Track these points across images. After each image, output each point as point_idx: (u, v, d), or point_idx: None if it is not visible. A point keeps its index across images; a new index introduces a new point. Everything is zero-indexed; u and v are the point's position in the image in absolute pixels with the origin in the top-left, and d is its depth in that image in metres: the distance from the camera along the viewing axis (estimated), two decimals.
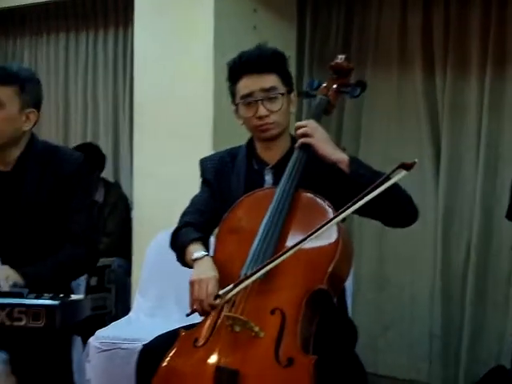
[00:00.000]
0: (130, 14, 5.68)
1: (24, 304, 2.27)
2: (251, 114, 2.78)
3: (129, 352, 3.71)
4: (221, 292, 2.51)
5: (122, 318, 4.22)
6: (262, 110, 2.76)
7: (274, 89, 2.76)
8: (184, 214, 2.93)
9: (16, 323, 2.27)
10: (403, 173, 2.43)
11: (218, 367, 2.42)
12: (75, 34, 6.18)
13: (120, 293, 5.10)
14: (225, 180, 2.90)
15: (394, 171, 2.46)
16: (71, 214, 2.90)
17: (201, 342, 2.52)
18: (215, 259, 2.66)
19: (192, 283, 2.55)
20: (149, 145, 4.61)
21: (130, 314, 4.24)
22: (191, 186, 3.11)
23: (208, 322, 2.56)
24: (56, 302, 2.29)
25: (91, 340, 3.80)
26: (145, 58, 4.65)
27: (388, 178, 2.46)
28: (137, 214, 4.74)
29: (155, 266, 4.15)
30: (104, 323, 4.47)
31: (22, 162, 2.91)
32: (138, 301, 4.23)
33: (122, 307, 4.98)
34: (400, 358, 4.53)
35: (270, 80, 2.77)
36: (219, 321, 2.52)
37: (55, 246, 2.89)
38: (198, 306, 2.53)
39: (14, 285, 2.51)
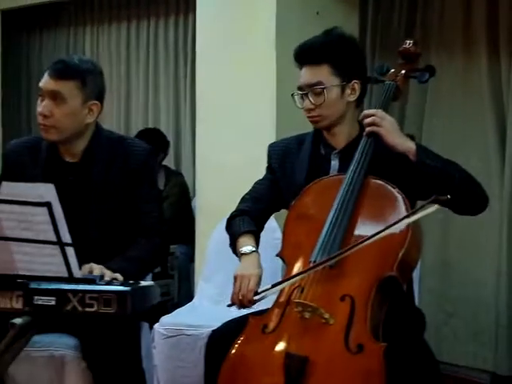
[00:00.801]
0: (190, 1, 5.72)
1: (95, 290, 2.27)
2: (301, 105, 2.80)
3: (193, 338, 3.73)
4: (260, 289, 2.61)
5: (186, 305, 4.24)
6: (307, 104, 2.77)
7: (319, 83, 2.74)
8: (242, 200, 2.99)
9: (88, 309, 2.27)
10: (435, 207, 2.41)
11: (287, 354, 2.42)
12: (136, 23, 6.22)
13: (182, 279, 5.13)
14: (289, 165, 2.91)
15: (427, 203, 2.43)
16: (141, 206, 2.92)
17: (270, 328, 2.53)
18: (284, 245, 2.68)
19: (235, 277, 2.66)
20: (211, 132, 4.61)
21: (194, 300, 4.26)
22: (253, 173, 3.12)
23: (277, 309, 2.56)
24: (127, 288, 2.28)
25: (156, 326, 3.82)
26: (206, 46, 4.64)
27: (421, 208, 2.45)
28: (199, 202, 4.75)
29: (219, 252, 4.15)
30: (167, 310, 4.50)
31: (88, 153, 2.93)
32: (201, 287, 4.25)
33: (184, 294, 5.01)
34: (464, 346, 4.48)
35: (319, 73, 2.75)
36: (288, 307, 2.53)
37: (125, 237, 2.92)
38: (237, 299, 2.64)
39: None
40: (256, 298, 2.62)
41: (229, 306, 2.69)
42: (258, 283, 2.65)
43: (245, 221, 2.86)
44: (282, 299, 2.57)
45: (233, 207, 3.03)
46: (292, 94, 2.83)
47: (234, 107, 4.47)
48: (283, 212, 2.98)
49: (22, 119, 7.27)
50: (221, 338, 2.65)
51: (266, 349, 2.49)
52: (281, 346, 2.46)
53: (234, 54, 4.48)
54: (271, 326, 2.53)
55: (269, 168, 3.00)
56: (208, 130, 4.64)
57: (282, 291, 2.60)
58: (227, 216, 2.99)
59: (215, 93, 4.57)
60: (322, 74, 2.75)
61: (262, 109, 4.33)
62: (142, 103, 6.20)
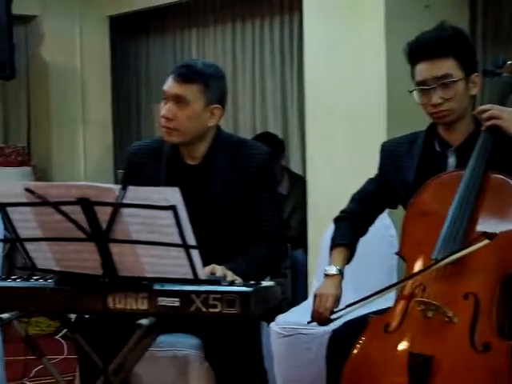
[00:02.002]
0: (295, 0, 5.73)
1: (218, 291, 2.29)
2: (425, 101, 2.74)
3: (309, 337, 3.72)
4: (336, 309, 2.76)
5: (302, 304, 4.24)
6: (435, 98, 2.70)
7: (448, 76, 2.69)
8: (351, 200, 3.04)
9: (211, 310, 2.29)
10: (485, 241, 2.38)
11: (411, 353, 2.40)
12: (241, 23, 6.25)
13: (296, 278, 5.14)
14: (400, 163, 2.89)
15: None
16: (260, 210, 2.94)
17: (392, 327, 2.51)
18: (404, 243, 2.67)
19: (315, 295, 2.82)
20: (321, 130, 4.61)
21: (309, 299, 4.25)
22: (365, 171, 3.11)
23: (399, 307, 2.54)
24: (250, 289, 2.29)
25: (272, 325, 3.83)
26: (315, 43, 4.64)
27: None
28: (311, 201, 4.75)
29: None
30: (281, 309, 4.50)
31: (209, 155, 2.96)
32: (315, 286, 4.24)
33: (298, 292, 5.02)
34: None
35: (445, 66, 2.70)
36: (410, 306, 2.50)
37: (243, 240, 2.94)
38: (316, 317, 2.79)
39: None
40: (332, 317, 2.75)
41: (308, 322, 2.85)
42: (336, 303, 2.78)
43: (345, 229, 2.92)
44: (403, 298, 2.55)
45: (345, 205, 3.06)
46: (410, 91, 2.79)
47: (344, 106, 4.46)
48: (398, 209, 2.97)
49: (132, 122, 7.42)
50: (342, 338, 2.65)
51: (388, 348, 2.47)
52: (404, 346, 2.45)
53: (342, 52, 4.47)
54: (393, 324, 2.51)
55: (380, 168, 2.99)
56: (318, 130, 4.63)
57: (403, 289, 2.58)
58: None
59: (324, 90, 4.57)
60: (449, 66, 2.70)
61: (372, 107, 4.30)
62: (248, 104, 6.24)
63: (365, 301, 2.62)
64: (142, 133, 7.29)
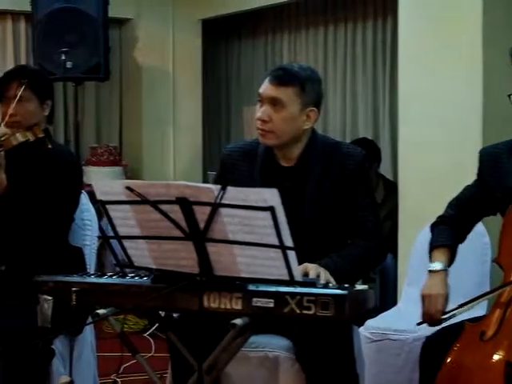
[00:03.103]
0: (388, 4, 5.69)
1: (313, 293, 2.29)
2: None
3: (398, 343, 3.69)
4: (447, 310, 2.68)
5: (391, 309, 4.21)
6: None
7: None
8: (449, 206, 2.99)
9: (305, 312, 2.29)
10: None
11: (508, 362, 2.36)
12: (334, 27, 6.23)
13: (385, 283, 5.10)
14: (500, 169, 2.84)
15: None
16: (356, 212, 2.93)
17: (488, 335, 2.47)
18: (502, 251, 2.62)
19: (423, 297, 2.76)
20: (414, 136, 4.55)
21: (399, 304, 4.22)
22: (459, 176, 3.08)
23: (496, 315, 2.50)
24: (345, 292, 2.29)
25: (361, 330, 3.81)
26: (409, 48, 4.59)
27: None
28: (402, 205, 4.71)
29: (423, 256, 4.09)
30: (368, 313, 4.47)
31: (304, 157, 2.97)
32: (406, 291, 4.20)
33: (387, 298, 4.98)
34: None
35: None
36: (508, 314, 2.46)
37: (337, 241, 2.94)
38: (427, 319, 2.73)
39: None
40: (444, 317, 2.68)
41: (418, 324, 2.80)
42: (445, 303, 2.71)
43: (444, 232, 2.87)
44: (500, 305, 2.51)
45: (437, 211, 3.01)
46: (510, 95, 2.75)
47: (439, 109, 4.40)
48: (492, 217, 2.92)
49: (221, 125, 7.48)
50: (436, 345, 2.63)
51: (484, 357, 2.44)
52: (500, 354, 2.41)
53: (438, 56, 4.40)
54: (489, 332, 2.48)
55: (479, 174, 2.94)
56: (411, 133, 4.58)
57: (500, 297, 2.54)
58: (431, 220, 2.97)
59: (419, 95, 4.52)
60: None
61: (467, 114, 4.23)
62: (339, 108, 6.22)
63: (476, 301, 2.57)
64: (232, 135, 7.33)
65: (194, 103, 6.99)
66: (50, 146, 3.34)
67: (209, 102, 7.33)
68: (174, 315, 2.75)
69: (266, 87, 2.93)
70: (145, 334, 5.21)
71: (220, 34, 7.35)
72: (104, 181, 2.88)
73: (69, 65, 5.74)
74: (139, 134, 6.95)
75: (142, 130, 6.92)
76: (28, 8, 6.13)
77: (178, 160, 6.96)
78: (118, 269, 2.61)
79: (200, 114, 7.05)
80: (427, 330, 2.86)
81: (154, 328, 5.23)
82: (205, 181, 6.43)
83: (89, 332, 3.47)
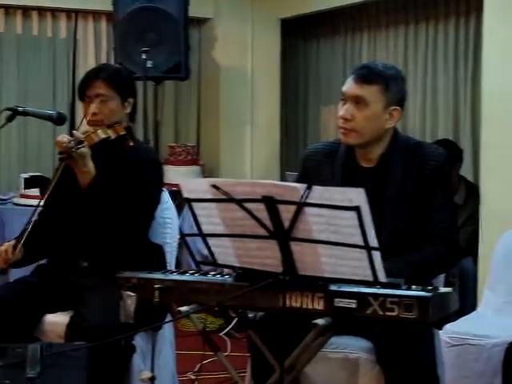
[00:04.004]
0: (471, 2, 5.60)
1: (396, 295, 2.27)
2: None
3: (478, 348, 3.62)
4: None
5: (471, 314, 4.14)
6: None
7: None
8: None
9: (388, 313, 2.27)
10: None
11: None
12: (414, 26, 6.16)
13: (464, 287, 5.02)
14: None
15: None
16: (432, 211, 2.89)
17: None
18: None
19: None
20: (498, 137, 4.48)
21: (478, 309, 4.15)
22: None
23: None
24: (428, 294, 2.26)
25: (441, 334, 3.76)
26: (495, 47, 4.53)
27: None
28: (484, 209, 4.63)
29: (505, 260, 4.03)
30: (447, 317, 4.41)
31: (385, 158, 2.95)
32: (486, 296, 4.13)
33: (466, 302, 4.90)
34: None
35: None
36: None
37: (416, 242, 2.90)
38: None
39: None
40: None
41: None
42: None
43: None
44: None
45: None
46: None
47: None
48: None
49: (299, 124, 7.47)
50: None
51: None
52: None
53: None
54: None
55: None
56: (494, 137, 4.51)
57: None
58: None
59: (503, 97, 4.44)
60: None
61: None
62: (419, 108, 6.15)
63: None
64: (309, 135, 7.32)
65: (271, 103, 7.00)
66: (131, 144, 3.37)
67: (286, 101, 7.34)
68: (250, 315, 2.75)
69: (349, 85, 2.92)
70: (221, 334, 5.22)
71: (299, 34, 7.35)
72: (190, 179, 2.89)
73: (149, 64, 5.80)
74: (217, 134, 6.98)
75: (220, 129, 6.95)
76: (109, 7, 6.22)
77: (255, 160, 6.98)
78: (193, 266, 2.63)
79: (278, 113, 7.06)
80: (508, 336, 2.80)
81: (229, 327, 5.25)
82: (282, 181, 6.42)
83: (168, 329, 3.50)
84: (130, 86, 3.52)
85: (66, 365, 2.48)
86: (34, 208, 3.27)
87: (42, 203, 3.26)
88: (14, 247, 3.25)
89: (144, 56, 5.74)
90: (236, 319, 4.95)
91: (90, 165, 3.21)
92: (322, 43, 7.16)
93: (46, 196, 3.23)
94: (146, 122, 5.94)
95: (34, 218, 3.28)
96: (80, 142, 3.15)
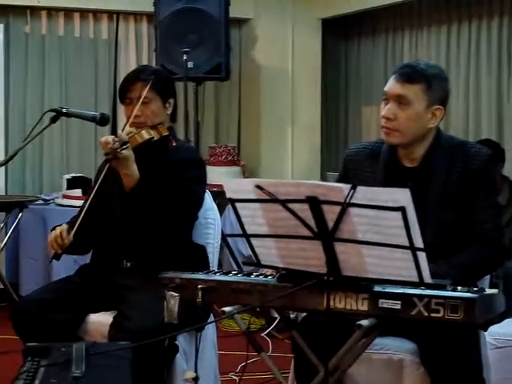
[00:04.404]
0: None
1: (441, 296, 2.25)
2: None
3: None
4: None
5: None
6: None
7: None
8: None
9: (433, 315, 2.25)
10: None
11: None
12: (457, 25, 6.13)
13: (509, 289, 4.96)
14: None
15: None
16: (477, 212, 2.86)
17: None
18: None
19: None
20: None
21: None
22: None
23: None
24: (475, 296, 2.24)
25: (485, 335, 3.72)
26: None
27: None
28: None
29: None
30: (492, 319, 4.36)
31: (428, 158, 2.92)
32: None
33: (511, 303, 4.84)
34: None
35: None
36: None
37: (459, 243, 2.87)
38: None
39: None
40: None
41: None
42: None
43: None
44: None
45: None
46: None
47: None
48: None
49: (340, 124, 7.45)
50: None
51: None
52: None
53: None
54: None
55: None
56: None
57: None
58: None
59: None
60: None
61: None
62: (461, 107, 6.10)
63: None
64: (350, 135, 7.30)
65: (312, 103, 6.99)
66: (174, 144, 3.38)
67: (327, 101, 7.32)
68: (292, 315, 2.74)
69: (391, 85, 2.90)
70: (262, 334, 5.22)
71: (340, 33, 7.33)
72: (232, 179, 2.89)
73: (190, 65, 5.82)
74: (258, 134, 6.99)
75: (261, 129, 6.96)
76: (150, 9, 6.25)
77: (296, 160, 6.97)
78: (234, 266, 2.63)
79: (319, 113, 7.05)
80: None
81: (271, 328, 5.24)
82: (323, 181, 6.40)
83: (211, 329, 3.51)
84: (170, 87, 3.53)
85: (109, 364, 2.48)
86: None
87: (88, 201, 3.27)
88: (68, 232, 3.25)
89: (185, 57, 5.75)
90: (278, 319, 5.03)
91: (134, 168, 3.22)
92: (363, 43, 7.14)
93: (91, 197, 3.24)
94: (186, 123, 5.95)
95: (87, 205, 3.27)
96: (124, 143, 3.16)
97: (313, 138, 7.04)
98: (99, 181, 3.24)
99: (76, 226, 3.22)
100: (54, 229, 3.30)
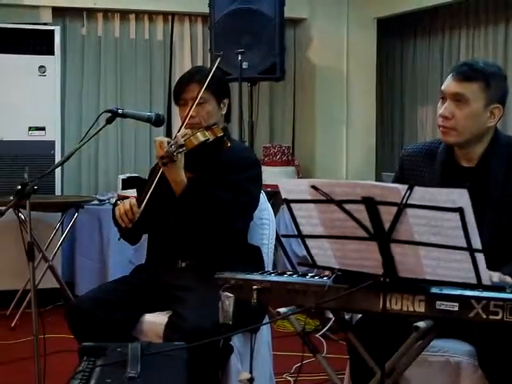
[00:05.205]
0: None
1: (501, 298, 2.21)
2: None
3: None
4: None
5: None
6: None
7: None
8: None
9: (492, 317, 2.22)
10: None
11: None
12: None
13: None
14: None
15: None
16: None
17: None
18: None
19: None
20: None
21: None
22: None
23: None
24: None
25: None
26: None
27: None
28: None
29: None
30: None
31: (486, 157, 2.88)
32: None
33: None
34: None
35: None
36: None
37: None
38: None
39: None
40: None
41: None
42: None
43: None
44: None
45: None
46: None
47: None
48: None
49: (395, 124, 7.40)
50: None
51: None
52: None
53: None
54: None
55: None
56: None
57: None
58: None
59: None
60: None
61: None
62: None
63: None
64: (405, 135, 7.25)
65: (367, 103, 6.95)
66: (229, 145, 3.38)
67: (383, 101, 7.27)
68: (346, 316, 2.72)
69: (449, 83, 2.86)
70: (317, 335, 5.19)
71: (395, 33, 7.28)
72: (287, 179, 2.88)
73: (245, 65, 5.82)
74: (312, 134, 6.97)
75: (315, 129, 6.94)
76: (205, 10, 6.27)
77: (350, 160, 6.94)
78: (289, 267, 2.61)
79: (374, 113, 7.01)
80: None
81: (325, 329, 5.21)
82: (378, 181, 6.35)
83: (266, 330, 3.50)
84: (225, 87, 3.53)
85: (165, 365, 2.48)
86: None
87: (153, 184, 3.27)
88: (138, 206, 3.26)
89: (239, 57, 5.76)
90: (332, 320, 5.00)
91: (182, 174, 3.23)
92: (418, 42, 7.08)
93: (146, 200, 3.25)
94: (241, 123, 5.96)
95: (151, 188, 3.28)
96: (180, 146, 3.16)
97: (368, 138, 7.00)
98: (153, 184, 3.25)
99: (145, 202, 3.24)
100: (115, 205, 3.34)
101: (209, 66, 6.13)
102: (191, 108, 3.32)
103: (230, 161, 3.35)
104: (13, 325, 5.46)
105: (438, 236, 2.17)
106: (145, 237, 3.56)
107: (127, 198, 3.37)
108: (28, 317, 3.32)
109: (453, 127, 2.84)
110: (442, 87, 2.88)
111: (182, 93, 3.43)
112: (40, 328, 3.09)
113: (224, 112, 3.49)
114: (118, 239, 3.45)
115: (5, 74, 5.97)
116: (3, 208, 3.06)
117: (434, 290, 2.29)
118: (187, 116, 3.34)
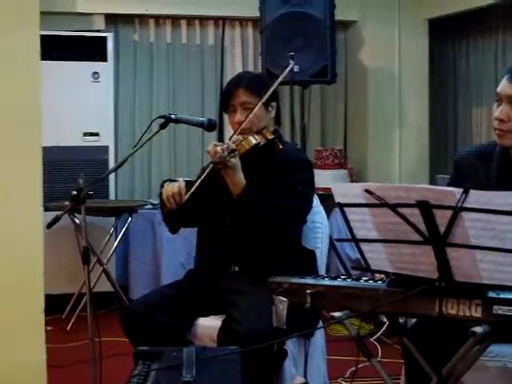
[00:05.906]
0: None
1: None
2: None
3: None
4: None
5: None
6: None
7: None
8: None
9: None
10: None
11: None
12: None
13: None
14: None
15: None
16: None
17: None
18: None
19: None
20: None
21: None
22: None
23: None
24: None
25: None
26: None
27: None
28: None
29: None
30: None
31: None
32: None
33: None
34: None
35: None
36: None
37: None
38: None
39: None
40: None
41: None
42: None
43: None
44: None
45: None
46: None
47: None
48: None
49: (449, 126, 7.32)
50: None
51: None
52: None
53: None
54: None
55: None
56: None
57: None
58: None
59: None
60: None
61: None
62: None
63: None
64: (459, 137, 7.16)
65: (420, 104, 6.90)
66: (281, 147, 3.37)
67: (436, 102, 7.20)
68: (400, 320, 2.70)
69: (504, 85, 2.82)
70: (371, 339, 5.16)
71: (447, 34, 7.20)
72: (340, 183, 2.86)
73: (296, 68, 5.79)
74: (365, 136, 6.93)
75: (368, 132, 6.90)
76: (256, 14, 6.27)
77: (403, 162, 6.89)
78: (342, 271, 2.60)
79: (427, 115, 6.95)
80: None
81: (380, 333, 5.17)
82: (431, 184, 6.31)
83: (320, 334, 3.48)
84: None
85: (219, 369, 2.48)
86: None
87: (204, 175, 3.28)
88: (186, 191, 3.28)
89: (290, 60, 5.74)
90: (386, 325, 4.96)
91: (241, 175, 3.23)
92: (471, 43, 7.00)
93: (194, 188, 3.26)
94: (293, 127, 5.94)
95: (203, 176, 3.29)
96: (232, 151, 3.17)
97: (421, 140, 6.94)
98: (199, 182, 3.26)
99: (193, 189, 3.25)
100: (162, 186, 3.36)
101: (260, 69, 6.16)
102: (247, 117, 3.34)
103: (282, 163, 3.35)
104: (68, 328, 5.52)
105: (495, 240, 2.14)
106: (194, 242, 3.58)
107: (175, 181, 3.36)
108: (83, 320, 3.35)
109: (509, 130, 2.80)
110: (498, 89, 2.84)
111: (230, 99, 3.44)
112: (95, 331, 3.12)
113: (273, 115, 3.50)
114: (163, 219, 3.47)
115: (59, 80, 6.04)
116: (59, 213, 3.10)
117: (491, 294, 2.26)
118: (237, 122, 3.35)
